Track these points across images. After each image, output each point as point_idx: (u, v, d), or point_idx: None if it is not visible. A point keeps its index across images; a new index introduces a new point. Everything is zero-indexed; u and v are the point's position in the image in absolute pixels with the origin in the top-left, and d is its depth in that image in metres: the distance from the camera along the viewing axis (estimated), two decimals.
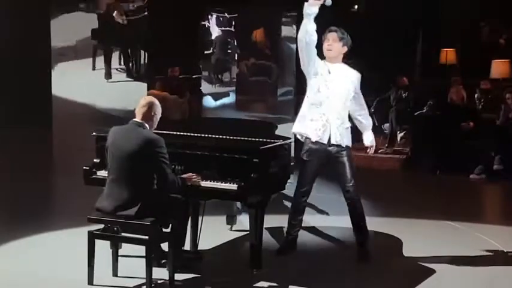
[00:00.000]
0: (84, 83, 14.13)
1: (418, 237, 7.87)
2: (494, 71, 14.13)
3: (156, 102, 6.14)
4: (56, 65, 14.01)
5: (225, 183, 6.15)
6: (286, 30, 10.31)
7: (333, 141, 6.86)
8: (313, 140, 6.86)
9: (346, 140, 6.93)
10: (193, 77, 12.51)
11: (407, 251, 7.31)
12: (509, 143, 11.11)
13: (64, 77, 13.90)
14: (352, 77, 6.97)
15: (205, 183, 6.19)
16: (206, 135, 6.78)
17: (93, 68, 14.53)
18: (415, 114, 12.81)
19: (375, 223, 7.71)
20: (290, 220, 7.17)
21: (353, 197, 6.94)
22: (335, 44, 6.86)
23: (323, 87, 6.80)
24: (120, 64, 14.70)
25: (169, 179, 5.94)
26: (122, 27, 14.18)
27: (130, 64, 14.42)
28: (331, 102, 6.82)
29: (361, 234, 7.05)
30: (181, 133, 6.83)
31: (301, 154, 6.96)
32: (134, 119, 6.05)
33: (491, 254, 7.34)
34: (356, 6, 17.32)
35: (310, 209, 8.99)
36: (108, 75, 14.44)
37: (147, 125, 6.02)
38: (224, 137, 6.70)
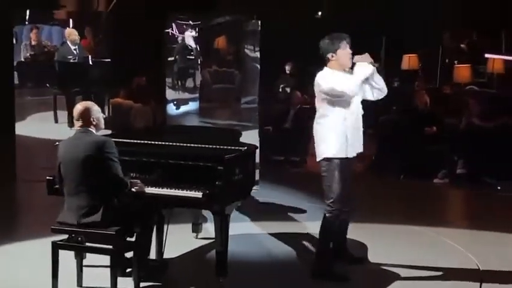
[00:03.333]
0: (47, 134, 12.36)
1: (383, 242, 7.92)
2: (456, 75, 14.29)
3: (92, 105, 6.14)
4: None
5: (190, 191, 6.14)
6: (249, 38, 10.31)
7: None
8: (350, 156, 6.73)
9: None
10: (157, 84, 12.46)
11: (372, 256, 7.35)
12: (472, 147, 11.21)
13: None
14: None
15: (169, 191, 6.17)
16: (171, 143, 6.79)
17: (56, 121, 12.88)
18: (379, 119, 12.87)
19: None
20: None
21: (351, 206, 6.98)
22: None
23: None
24: None
25: (120, 176, 5.94)
26: (85, 70, 12.72)
27: None
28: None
29: (345, 240, 7.12)
30: (147, 141, 6.82)
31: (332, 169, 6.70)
32: (78, 128, 6.06)
33: (455, 257, 7.40)
34: (320, 13, 17.45)
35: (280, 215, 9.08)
36: (72, 122, 12.94)
37: (92, 130, 6.03)
38: (189, 144, 6.71)
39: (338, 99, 6.58)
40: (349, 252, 7.21)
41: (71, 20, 12.76)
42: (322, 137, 6.70)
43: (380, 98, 6.89)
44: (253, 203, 9.23)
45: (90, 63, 12.73)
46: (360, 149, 6.82)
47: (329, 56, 6.69)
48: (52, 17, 12.92)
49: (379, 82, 6.79)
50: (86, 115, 6.05)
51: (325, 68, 6.73)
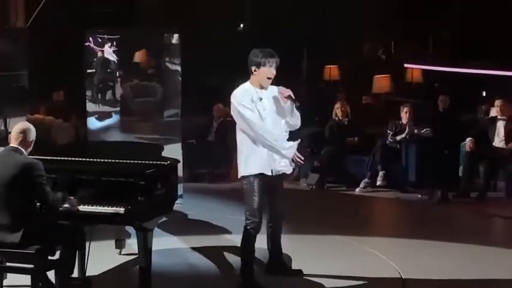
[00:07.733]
0: None
1: (306, 252, 7.95)
2: (375, 86, 14.50)
3: (32, 127, 6.12)
4: None
5: (112, 207, 6.08)
6: (170, 51, 10.26)
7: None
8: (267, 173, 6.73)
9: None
10: (77, 100, 12.28)
11: (297, 267, 7.36)
12: (393, 157, 11.39)
13: None
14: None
15: (91, 208, 6.10)
16: (93, 160, 6.72)
17: None
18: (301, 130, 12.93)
19: (261, 240, 7.59)
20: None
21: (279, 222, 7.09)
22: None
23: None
24: None
25: (50, 199, 5.90)
26: None
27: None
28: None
29: (280, 253, 7.18)
30: (68, 158, 6.74)
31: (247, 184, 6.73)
32: (10, 145, 6.00)
33: (378, 266, 7.48)
34: (242, 25, 17.50)
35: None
36: None
37: (23, 150, 5.97)
38: (110, 160, 6.65)
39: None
40: (285, 264, 7.24)
41: None
42: (238, 156, 6.75)
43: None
44: (180, 218, 9.20)
45: None
46: (285, 169, 6.82)
47: (252, 68, 6.64)
48: None
49: (295, 120, 6.79)
50: (26, 135, 6.02)
51: (245, 84, 6.70)
